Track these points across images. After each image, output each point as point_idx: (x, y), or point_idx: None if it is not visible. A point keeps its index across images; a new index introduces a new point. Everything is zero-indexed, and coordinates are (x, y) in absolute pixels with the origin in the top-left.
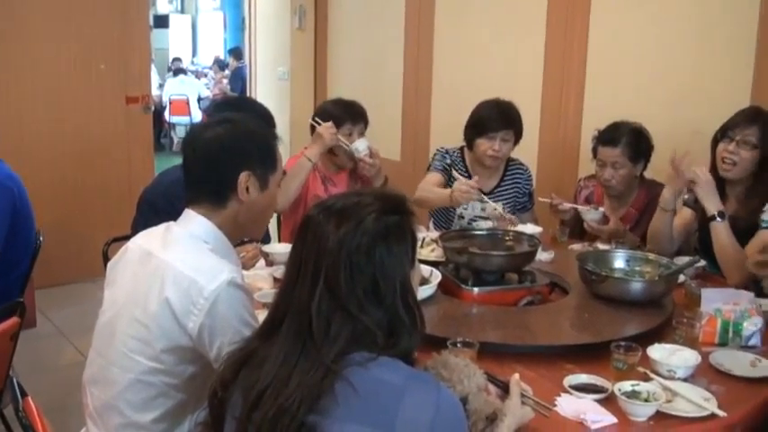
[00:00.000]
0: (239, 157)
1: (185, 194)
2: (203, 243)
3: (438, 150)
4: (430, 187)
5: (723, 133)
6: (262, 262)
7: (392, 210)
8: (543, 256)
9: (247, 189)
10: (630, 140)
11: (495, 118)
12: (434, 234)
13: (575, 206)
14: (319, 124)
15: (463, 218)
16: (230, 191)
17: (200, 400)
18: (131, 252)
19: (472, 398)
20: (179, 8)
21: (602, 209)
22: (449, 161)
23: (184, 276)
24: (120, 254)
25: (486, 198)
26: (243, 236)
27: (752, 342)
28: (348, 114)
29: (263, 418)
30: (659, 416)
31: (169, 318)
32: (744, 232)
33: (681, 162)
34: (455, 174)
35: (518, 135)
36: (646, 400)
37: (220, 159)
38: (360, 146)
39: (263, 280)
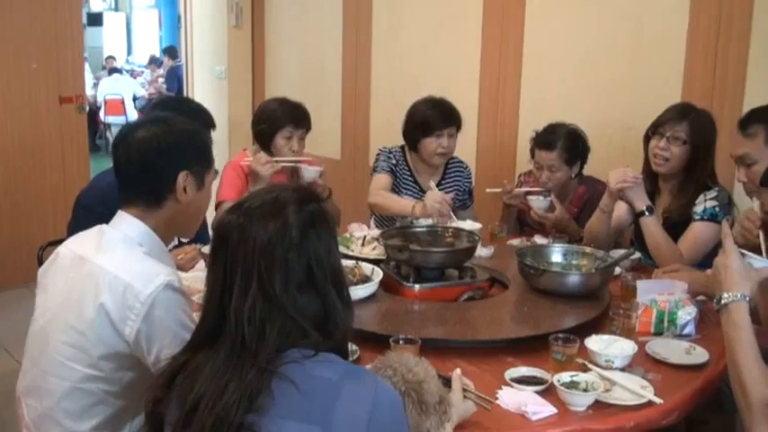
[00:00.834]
0: (177, 156)
1: (119, 196)
2: (138, 246)
3: (381, 151)
4: (387, 194)
5: (654, 130)
6: (201, 263)
7: (309, 198)
8: (483, 251)
9: (185, 189)
10: (567, 144)
11: (439, 116)
12: (375, 232)
13: (527, 190)
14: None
15: (407, 216)
16: (167, 191)
17: (140, 406)
18: (63, 257)
19: (428, 387)
20: (113, 6)
21: (549, 198)
22: (394, 161)
23: (120, 281)
24: (52, 259)
25: (454, 217)
26: (177, 236)
27: (686, 331)
28: (291, 117)
29: (202, 428)
30: (598, 405)
31: (106, 324)
32: (677, 224)
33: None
34: (431, 184)
35: (459, 129)
36: (584, 390)
37: (157, 160)
38: (313, 174)
39: (203, 282)
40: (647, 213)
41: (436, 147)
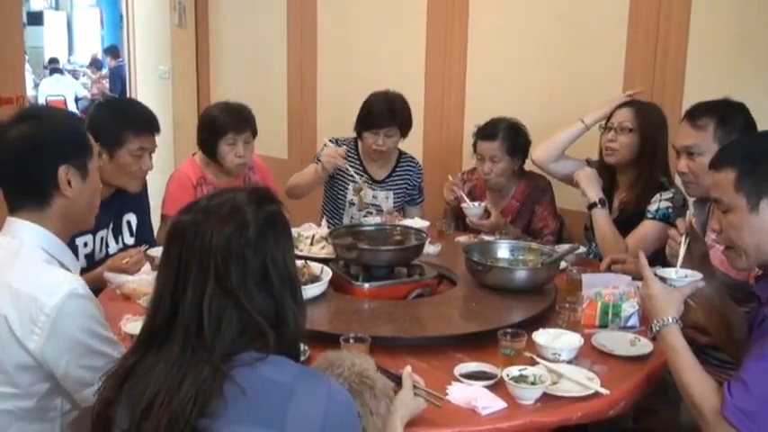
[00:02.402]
0: (53, 152)
1: (6, 202)
2: (40, 251)
3: (329, 141)
4: (297, 173)
5: (605, 124)
6: (147, 266)
7: (266, 199)
8: (431, 249)
9: (69, 183)
10: (508, 135)
11: (382, 114)
12: (324, 231)
13: (463, 197)
14: None
15: (354, 204)
16: (52, 189)
17: (57, 417)
18: None
19: (374, 374)
20: (53, 5)
21: (483, 203)
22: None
23: (22, 294)
24: None
25: (352, 171)
26: (75, 229)
27: (630, 323)
28: (232, 123)
29: (157, 426)
30: (546, 397)
31: (9, 338)
32: (631, 218)
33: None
34: (326, 142)
35: (405, 129)
36: (533, 384)
37: (33, 159)
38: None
39: (149, 285)
40: (598, 205)
41: (372, 143)
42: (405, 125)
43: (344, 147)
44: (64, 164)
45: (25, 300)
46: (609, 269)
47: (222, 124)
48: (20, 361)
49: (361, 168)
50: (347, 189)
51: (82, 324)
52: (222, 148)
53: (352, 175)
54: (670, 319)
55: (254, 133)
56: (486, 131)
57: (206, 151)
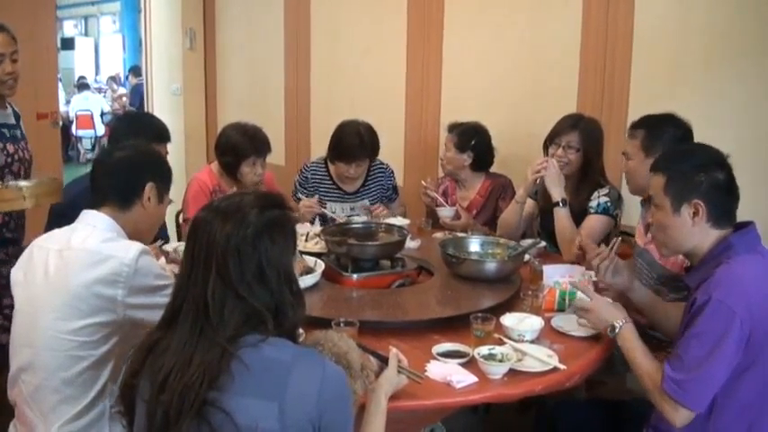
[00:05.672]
0: (147, 169)
1: (92, 198)
2: (107, 233)
3: (301, 170)
4: None
5: (551, 140)
6: (162, 260)
7: (272, 205)
8: (411, 244)
9: (149, 198)
10: (461, 133)
11: (352, 148)
12: (318, 229)
13: (438, 198)
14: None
15: (335, 219)
16: (136, 197)
17: (121, 363)
18: (38, 254)
19: (352, 357)
20: (83, 31)
21: (455, 207)
22: (308, 175)
23: (101, 255)
24: (26, 256)
25: (327, 211)
26: (137, 239)
27: None
28: (254, 147)
29: (171, 398)
30: (512, 373)
31: (97, 293)
32: (575, 216)
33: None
34: (299, 195)
35: (373, 156)
36: (500, 361)
37: (131, 170)
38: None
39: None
40: (560, 204)
41: (344, 171)
42: (373, 153)
43: (316, 196)
44: (151, 182)
45: (106, 260)
46: (580, 248)
47: (245, 149)
48: (102, 315)
49: (333, 185)
50: (325, 207)
51: (153, 271)
52: (244, 169)
53: (329, 214)
54: (624, 320)
55: (270, 152)
56: (450, 126)
57: (228, 171)
